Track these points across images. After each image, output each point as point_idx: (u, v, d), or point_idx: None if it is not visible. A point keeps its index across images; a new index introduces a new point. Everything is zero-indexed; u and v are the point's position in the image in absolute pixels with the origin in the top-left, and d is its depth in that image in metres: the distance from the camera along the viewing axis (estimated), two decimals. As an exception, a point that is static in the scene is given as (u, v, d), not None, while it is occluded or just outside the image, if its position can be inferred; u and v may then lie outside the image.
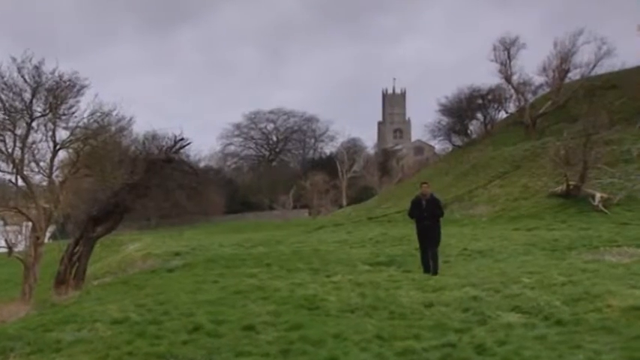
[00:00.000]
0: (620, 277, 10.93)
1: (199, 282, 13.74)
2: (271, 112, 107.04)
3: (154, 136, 21.13)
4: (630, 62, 48.27)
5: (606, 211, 24.83)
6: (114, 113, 18.97)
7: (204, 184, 21.58)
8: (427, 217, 13.80)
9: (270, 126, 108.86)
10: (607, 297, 8.98)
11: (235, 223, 57.33)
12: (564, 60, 46.53)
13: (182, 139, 18.52)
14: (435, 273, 13.32)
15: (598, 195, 26.08)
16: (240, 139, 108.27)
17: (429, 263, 13.72)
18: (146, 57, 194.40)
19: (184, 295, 11.49)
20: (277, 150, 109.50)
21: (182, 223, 46.98)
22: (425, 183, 14.71)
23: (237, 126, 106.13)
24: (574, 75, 47.68)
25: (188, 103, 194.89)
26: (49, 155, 18.60)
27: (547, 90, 50.51)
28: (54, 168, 18.99)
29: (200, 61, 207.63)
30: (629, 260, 13.53)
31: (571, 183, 27.79)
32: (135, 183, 17.57)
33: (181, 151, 19.28)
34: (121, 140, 20.48)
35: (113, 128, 19.39)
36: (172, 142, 18.46)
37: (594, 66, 46.03)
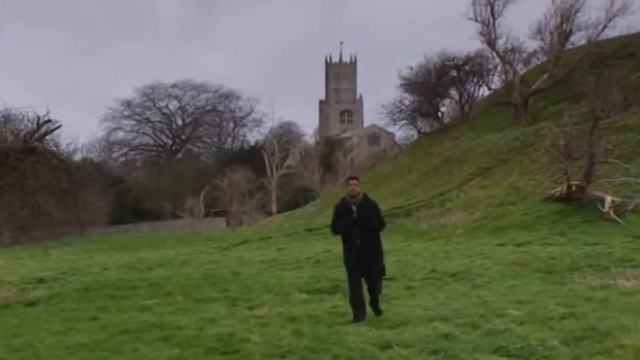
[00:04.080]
0: (636, 309, 11.19)
1: (72, 319, 13.54)
2: (174, 85, 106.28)
3: (9, 118, 20.65)
4: (651, 23, 49.42)
5: (619, 219, 25.36)
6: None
7: (79, 183, 21.23)
8: (361, 231, 12.11)
9: (174, 104, 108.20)
10: (619, 334, 9.18)
11: (124, 238, 56.58)
12: (565, 19, 47.22)
13: (49, 120, 18.21)
14: (378, 312, 12.35)
15: (608, 199, 26.67)
16: (132, 123, 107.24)
17: (362, 304, 12.19)
18: (20, 3, 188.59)
19: (50, 338, 11.27)
20: (183, 137, 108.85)
21: (48, 238, 46.10)
22: (353, 178, 13.24)
23: (128, 104, 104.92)
24: (578, 39, 48.78)
25: (76, 71, 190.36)
26: None
27: (543, 59, 51.42)
28: None
29: (99, 12, 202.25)
30: (648, 285, 13.87)
31: (573, 183, 28.36)
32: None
33: (47, 138, 18.92)
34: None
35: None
36: (35, 126, 18.11)
37: (605, 27, 47.17)
